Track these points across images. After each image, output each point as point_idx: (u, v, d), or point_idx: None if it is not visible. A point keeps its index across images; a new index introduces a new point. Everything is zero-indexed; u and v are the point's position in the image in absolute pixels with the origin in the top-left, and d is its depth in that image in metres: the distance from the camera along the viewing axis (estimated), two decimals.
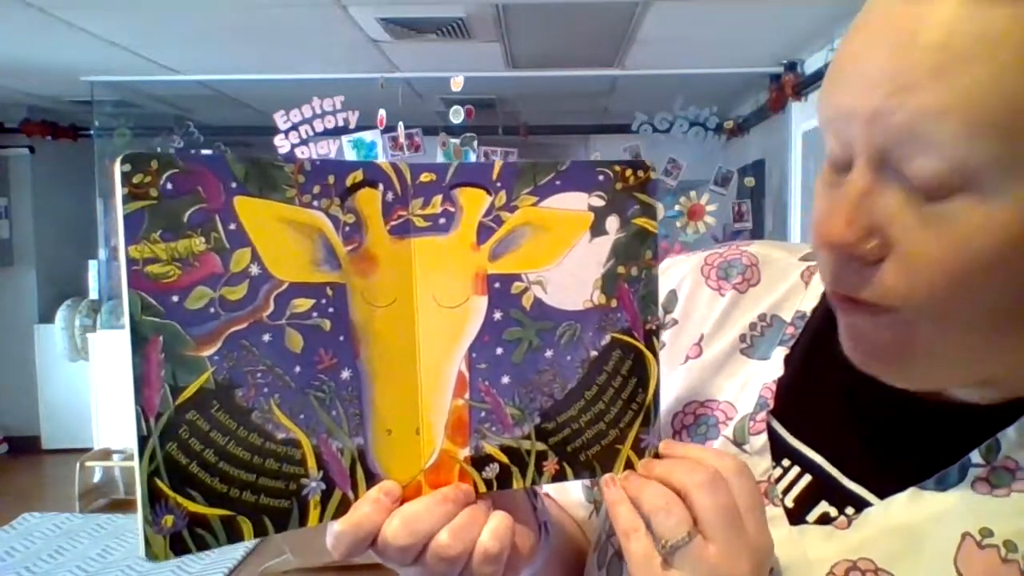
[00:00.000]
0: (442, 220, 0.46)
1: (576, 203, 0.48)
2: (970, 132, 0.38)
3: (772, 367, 0.57)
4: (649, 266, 0.50)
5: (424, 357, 0.46)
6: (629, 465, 0.50)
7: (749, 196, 4.38)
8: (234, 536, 0.42)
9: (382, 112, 4.03)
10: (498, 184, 0.47)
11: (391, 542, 0.44)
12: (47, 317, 5.21)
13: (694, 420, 0.58)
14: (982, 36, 0.38)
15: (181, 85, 4.53)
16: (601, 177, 0.49)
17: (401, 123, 4.06)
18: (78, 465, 4.12)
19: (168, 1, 3.08)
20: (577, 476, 0.49)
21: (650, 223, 0.50)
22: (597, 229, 0.49)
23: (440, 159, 4.11)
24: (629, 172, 0.49)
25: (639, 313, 0.50)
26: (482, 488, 0.47)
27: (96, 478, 4.40)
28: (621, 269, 0.49)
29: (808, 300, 0.58)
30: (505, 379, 0.47)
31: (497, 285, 0.47)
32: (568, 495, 0.67)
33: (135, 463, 0.40)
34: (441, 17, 3.31)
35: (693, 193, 4.10)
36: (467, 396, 0.47)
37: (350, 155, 3.99)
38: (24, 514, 2.46)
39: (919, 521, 0.47)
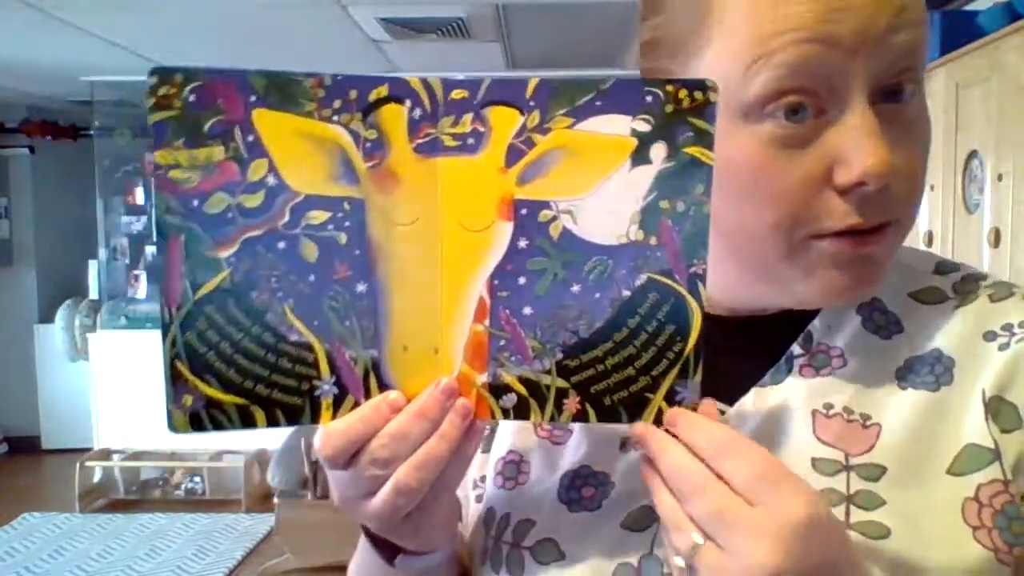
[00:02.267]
0: (471, 140, 0.45)
1: (617, 127, 0.45)
2: (924, 36, 0.46)
3: None
4: (700, 202, 0.45)
5: (445, 278, 0.46)
6: (659, 416, 0.47)
7: None
8: (248, 422, 0.46)
9: None
10: (532, 103, 0.45)
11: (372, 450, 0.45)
12: (47, 317, 5.21)
13: None
14: None
15: None
16: (649, 98, 0.45)
17: None
18: (78, 465, 4.12)
19: (169, 1, 3.08)
20: (601, 419, 0.47)
21: (705, 153, 0.45)
22: (639, 157, 0.45)
23: None
24: (684, 93, 0.45)
25: (682, 254, 0.46)
26: (499, 415, 0.47)
27: (96, 478, 4.40)
28: (664, 203, 0.45)
29: None
30: (527, 310, 0.46)
31: (524, 211, 0.45)
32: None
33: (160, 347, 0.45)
34: (441, 17, 3.31)
35: None
36: (487, 323, 0.46)
37: None
38: (24, 514, 2.46)
39: (771, 412, 0.52)
